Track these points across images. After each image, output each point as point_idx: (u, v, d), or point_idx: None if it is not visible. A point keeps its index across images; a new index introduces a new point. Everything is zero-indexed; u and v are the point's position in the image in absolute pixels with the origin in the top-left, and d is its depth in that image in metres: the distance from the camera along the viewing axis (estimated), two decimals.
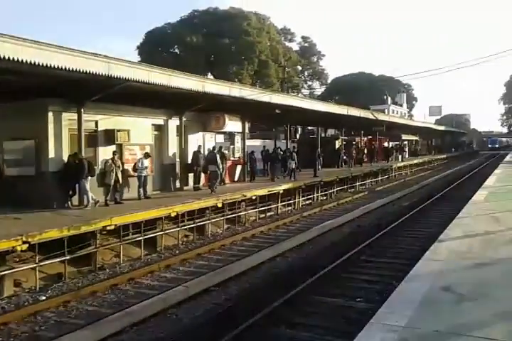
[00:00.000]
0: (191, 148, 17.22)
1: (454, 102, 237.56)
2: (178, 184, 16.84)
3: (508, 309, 4.21)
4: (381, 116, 32.56)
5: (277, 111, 18.59)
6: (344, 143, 32.53)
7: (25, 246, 8.56)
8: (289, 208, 19.13)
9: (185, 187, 16.80)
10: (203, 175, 17.29)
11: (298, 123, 32.46)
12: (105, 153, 13.64)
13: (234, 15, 50.00)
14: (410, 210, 17.12)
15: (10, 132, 12.84)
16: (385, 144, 40.08)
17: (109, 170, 12.96)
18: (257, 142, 30.24)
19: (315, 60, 63.75)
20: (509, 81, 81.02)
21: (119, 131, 13.97)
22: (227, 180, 18.77)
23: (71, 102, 12.41)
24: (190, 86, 13.30)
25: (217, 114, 18.19)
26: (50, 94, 11.81)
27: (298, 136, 35.94)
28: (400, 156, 40.54)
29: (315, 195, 21.20)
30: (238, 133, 20.41)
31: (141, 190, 14.14)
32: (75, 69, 9.67)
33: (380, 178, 30.48)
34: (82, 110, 12.42)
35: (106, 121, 13.85)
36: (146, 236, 11.69)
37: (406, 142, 47.82)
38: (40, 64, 8.92)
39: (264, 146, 23.93)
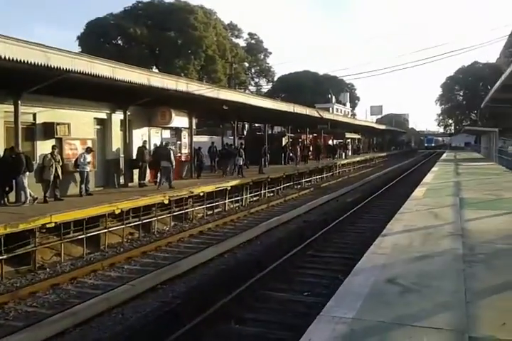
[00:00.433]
0: (136, 144, 16.80)
1: (393, 102, 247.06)
2: (122, 180, 16.36)
3: (448, 299, 4.41)
4: (326, 115, 33.28)
5: (225, 107, 18.48)
6: (290, 140, 32.99)
7: None
8: (237, 205, 19.14)
9: (129, 184, 16.36)
10: (148, 171, 16.95)
11: (245, 119, 32.47)
12: (44, 147, 13.00)
13: (180, 9, 49.28)
14: (354, 206, 17.63)
15: None
16: (330, 142, 41.05)
17: (48, 165, 12.35)
18: (204, 138, 30.06)
19: (262, 57, 64.21)
20: (445, 83, 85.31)
21: (58, 124, 13.36)
22: (174, 177, 18.45)
23: (7, 94, 11.71)
24: (135, 79, 12.91)
25: (164, 108, 17.81)
26: None
27: (245, 133, 35.99)
28: (343, 154, 41.70)
29: (262, 191, 21.35)
30: (185, 128, 20.11)
31: (83, 187, 13.61)
32: (10, 59, 9.09)
33: (325, 175, 31.19)
34: (19, 102, 11.74)
35: (45, 114, 13.19)
36: (88, 234, 11.27)
37: (349, 140, 49.19)
38: None
39: (212, 142, 23.76)
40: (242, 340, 6.45)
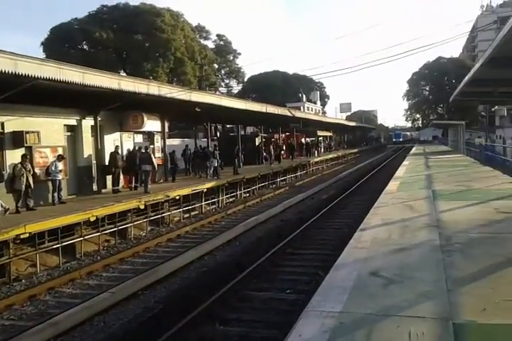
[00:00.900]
0: (108, 149, 16.54)
1: (362, 99, 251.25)
2: (95, 187, 16.09)
3: (431, 288, 4.50)
4: (298, 113, 33.52)
5: (197, 109, 18.39)
6: (264, 140, 33.09)
7: None
8: (213, 206, 19.08)
9: (103, 190, 16.10)
10: (122, 176, 16.72)
11: (218, 121, 32.41)
12: (14, 156, 12.64)
13: (146, 11, 48.73)
14: (329, 203, 17.83)
15: None
16: (302, 140, 41.38)
17: (18, 174, 12.02)
18: (176, 141, 29.80)
19: (231, 58, 64.11)
20: (411, 78, 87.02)
21: (27, 132, 13.02)
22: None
23: None
24: (105, 84, 12.72)
25: (135, 112, 17.60)
26: None
27: (218, 134, 35.89)
28: (316, 151, 42.11)
29: (238, 192, 21.34)
30: (157, 132, 19.92)
31: (56, 195, 13.31)
32: None
33: (299, 173, 31.43)
34: None
35: (13, 123, 12.83)
36: (64, 243, 11.04)
37: (321, 138, 49.69)
38: None
39: (186, 145, 23.59)
40: None
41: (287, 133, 39.06)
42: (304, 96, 70.94)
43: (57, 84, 11.15)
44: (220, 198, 19.64)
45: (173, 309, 7.32)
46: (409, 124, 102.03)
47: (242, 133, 33.56)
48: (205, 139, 27.75)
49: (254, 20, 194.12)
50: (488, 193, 11.16)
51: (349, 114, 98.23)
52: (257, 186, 23.52)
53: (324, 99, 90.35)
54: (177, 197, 16.10)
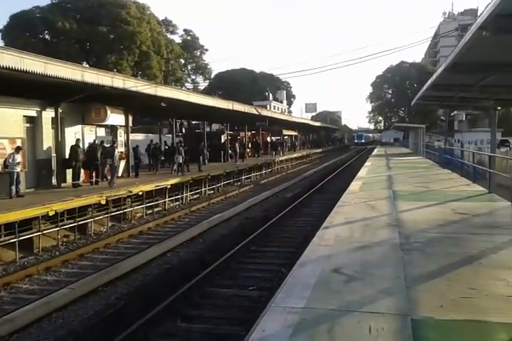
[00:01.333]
0: (69, 142, 16.10)
1: (327, 100, 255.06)
2: (54, 181, 15.64)
3: (390, 285, 4.64)
4: (264, 112, 33.66)
5: (163, 104, 18.15)
6: (229, 137, 33.03)
7: None
8: (177, 203, 18.90)
9: (63, 184, 15.67)
10: (82, 170, 16.32)
11: (184, 117, 32.10)
12: None
13: (111, 3, 47.63)
14: (294, 201, 17.99)
15: None
16: (268, 139, 41.59)
17: None
18: (140, 136, 29.30)
19: (198, 53, 63.53)
20: (375, 81, 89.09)
21: None
22: (109, 176, 17.89)
23: None
24: (68, 75, 12.38)
25: (98, 105, 17.20)
26: None
27: (184, 131, 35.54)
28: (281, 150, 42.41)
29: (203, 189, 21.23)
30: (121, 126, 19.53)
31: (13, 188, 12.84)
32: None
33: (264, 171, 31.55)
34: None
35: None
36: (21, 238, 10.67)
37: (287, 137, 50.08)
38: None
39: (151, 140, 23.22)
40: (189, 337, 6.41)
41: (253, 132, 39.15)
42: (271, 95, 71.28)
43: (18, 73, 10.75)
44: (184, 195, 19.48)
45: (134, 305, 7.21)
46: (372, 126, 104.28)
47: (208, 129, 33.40)
48: (170, 135, 27.46)
49: (223, 17, 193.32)
50: (446, 195, 11.58)
51: (314, 114, 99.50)
52: (222, 183, 23.47)
53: (290, 98, 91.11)
54: (140, 193, 15.85)
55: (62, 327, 6.80)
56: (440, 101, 16.26)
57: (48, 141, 15.49)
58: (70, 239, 12.63)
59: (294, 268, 5.31)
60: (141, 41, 47.67)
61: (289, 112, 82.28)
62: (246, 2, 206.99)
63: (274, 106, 70.20)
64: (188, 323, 6.85)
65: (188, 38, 61.89)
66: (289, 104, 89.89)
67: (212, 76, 69.72)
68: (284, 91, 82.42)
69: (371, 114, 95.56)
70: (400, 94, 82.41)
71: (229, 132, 34.56)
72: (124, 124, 19.34)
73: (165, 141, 25.71)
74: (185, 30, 61.95)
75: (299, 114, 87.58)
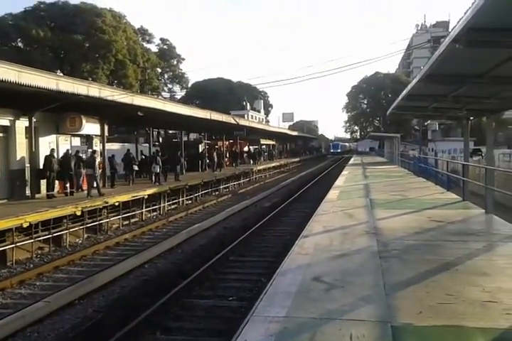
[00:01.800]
0: (43, 152, 15.79)
1: (304, 110, 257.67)
2: (28, 191, 15.29)
3: (370, 292, 4.68)
4: (242, 121, 33.75)
5: (140, 113, 18.02)
6: (207, 147, 32.98)
7: None
8: (155, 213, 18.69)
9: (37, 195, 15.32)
10: (57, 181, 16.01)
11: (161, 126, 31.91)
12: None
13: (86, 11, 47.28)
14: (272, 210, 18.01)
15: None
16: (246, 148, 41.68)
17: None
18: (115, 146, 28.93)
19: (175, 62, 63.39)
20: (350, 91, 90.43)
21: None
22: (84, 187, 17.59)
23: None
24: (43, 84, 12.19)
25: (73, 114, 16.96)
26: None
27: (161, 140, 35.31)
28: (258, 160, 42.53)
29: (180, 199, 21.07)
30: (96, 135, 19.28)
31: None
32: None
33: (242, 181, 31.54)
34: None
35: None
36: None
37: (264, 146, 50.26)
38: None
39: (128, 150, 22.92)
40: None
41: (231, 141, 39.20)
42: (248, 104, 71.59)
43: None
44: (162, 205, 19.29)
45: (112, 318, 7.06)
46: (348, 135, 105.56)
47: (186, 139, 33.27)
48: (147, 144, 27.24)
49: (199, 27, 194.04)
50: (421, 202, 11.79)
51: (291, 123, 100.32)
52: (200, 193, 23.35)
53: (268, 108, 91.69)
54: (116, 204, 15.63)
55: None
56: (415, 111, 16.63)
57: (21, 150, 15.17)
58: (44, 251, 12.34)
59: (275, 277, 5.31)
60: (117, 50, 47.38)
61: (267, 121, 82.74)
62: (223, 12, 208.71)
63: (252, 116, 70.52)
64: (168, 335, 6.75)
65: (165, 47, 61.75)
66: (267, 113, 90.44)
67: (190, 85, 69.70)
68: (262, 101, 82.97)
69: (347, 124, 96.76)
70: (375, 103, 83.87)
71: (207, 141, 34.53)
72: (99, 134, 19.10)
73: (141, 151, 25.45)
74: (161, 39, 61.89)
75: (276, 123, 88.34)
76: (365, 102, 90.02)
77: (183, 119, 22.99)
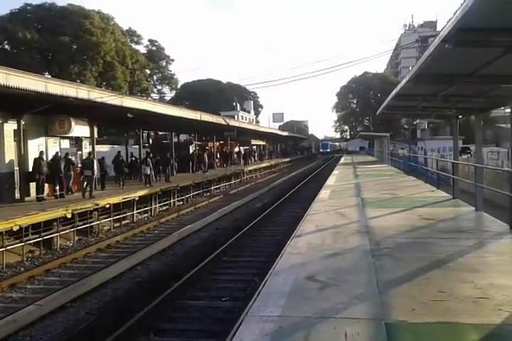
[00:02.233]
0: (32, 155, 15.65)
1: (294, 110, 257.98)
2: (17, 194, 15.14)
3: (363, 290, 4.71)
4: (232, 122, 33.73)
5: (129, 115, 17.93)
6: (198, 148, 32.90)
7: None
8: (146, 215, 18.61)
9: (26, 198, 15.20)
10: (46, 184, 15.86)
11: (151, 128, 31.77)
12: None
13: (74, 13, 46.93)
14: (264, 210, 18.02)
15: None
16: (236, 149, 41.66)
17: None
18: (105, 148, 28.71)
19: (164, 64, 63.12)
20: (340, 91, 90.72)
21: None
22: (75, 189, 17.48)
23: None
24: (31, 86, 12.09)
25: (62, 117, 16.82)
26: None
27: (151, 141, 35.13)
28: (249, 160, 42.54)
29: (172, 200, 21.00)
30: (86, 138, 19.14)
31: None
32: None
33: (233, 181, 31.51)
34: None
35: None
36: None
37: (255, 146, 50.26)
38: None
39: (119, 152, 22.77)
40: None
41: (222, 142, 39.16)
42: (238, 105, 71.54)
43: None
44: (153, 206, 19.22)
45: (105, 321, 7.02)
46: (338, 135, 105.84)
47: (176, 140, 33.16)
48: (137, 146, 27.09)
49: (188, 28, 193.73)
50: (412, 201, 11.88)
51: (282, 123, 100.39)
52: (191, 194, 23.30)
53: (258, 108, 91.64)
54: (107, 206, 15.54)
55: None
56: (404, 110, 16.73)
57: (10, 153, 15.03)
58: (35, 254, 12.24)
59: (268, 277, 5.32)
60: (105, 51, 47.10)
61: (257, 122, 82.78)
62: (211, 13, 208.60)
63: (242, 117, 70.46)
64: (162, 337, 6.73)
65: (154, 48, 61.44)
66: (257, 114, 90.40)
67: (179, 86, 69.40)
68: (252, 102, 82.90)
69: (337, 123, 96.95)
70: (364, 103, 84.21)
71: (197, 142, 34.45)
72: (89, 136, 18.96)
73: (131, 153, 25.31)
74: (150, 41, 61.54)
75: (266, 123, 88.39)
76: (355, 102, 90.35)
77: (173, 120, 22.91)
